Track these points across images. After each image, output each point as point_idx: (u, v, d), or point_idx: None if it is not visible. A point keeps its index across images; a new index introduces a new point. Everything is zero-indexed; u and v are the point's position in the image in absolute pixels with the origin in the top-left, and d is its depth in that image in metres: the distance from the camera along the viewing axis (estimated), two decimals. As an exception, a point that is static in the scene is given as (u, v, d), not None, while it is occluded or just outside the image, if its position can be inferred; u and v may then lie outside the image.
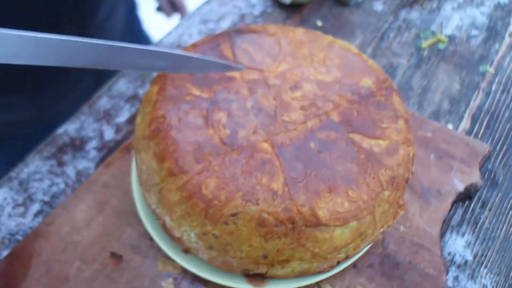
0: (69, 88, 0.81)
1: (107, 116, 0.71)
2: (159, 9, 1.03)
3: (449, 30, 0.82)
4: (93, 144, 0.67)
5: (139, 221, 0.56)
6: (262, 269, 0.46)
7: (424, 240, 0.54)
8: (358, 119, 0.49)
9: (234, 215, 0.42)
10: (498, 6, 0.86)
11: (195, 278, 0.52)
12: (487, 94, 0.73)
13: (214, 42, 0.55)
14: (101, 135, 0.68)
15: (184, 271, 0.53)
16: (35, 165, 0.65)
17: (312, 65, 0.54)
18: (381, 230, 0.48)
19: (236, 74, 0.52)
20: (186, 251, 0.50)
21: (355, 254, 0.48)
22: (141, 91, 0.74)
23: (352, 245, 0.45)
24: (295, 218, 0.42)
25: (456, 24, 0.83)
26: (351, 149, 0.46)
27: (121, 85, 0.75)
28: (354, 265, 0.52)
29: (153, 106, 0.49)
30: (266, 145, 0.46)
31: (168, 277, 0.53)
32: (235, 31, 0.56)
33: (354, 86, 0.52)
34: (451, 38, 0.81)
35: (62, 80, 0.79)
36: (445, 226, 0.58)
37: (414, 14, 0.84)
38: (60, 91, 0.80)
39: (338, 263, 0.48)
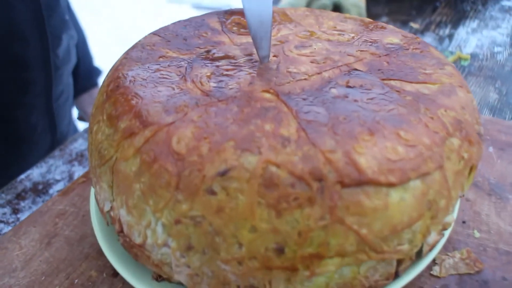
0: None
1: (80, 157, 0.57)
2: (81, 118, 0.97)
3: (469, 49, 0.73)
4: (58, 187, 0.53)
5: (99, 252, 0.39)
6: (278, 283, 0.28)
7: (516, 247, 0.36)
8: (391, 67, 0.35)
9: (223, 174, 0.26)
10: (515, 28, 0.79)
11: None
12: (533, 101, 0.61)
13: (199, 18, 0.44)
14: (70, 176, 0.54)
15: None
16: (-19, 214, 0.50)
17: (320, 29, 0.42)
18: (455, 212, 0.31)
19: (225, 39, 0.40)
20: (158, 277, 0.32)
21: (425, 253, 0.30)
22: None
23: (419, 225, 0.28)
24: (323, 171, 0.26)
25: (476, 44, 0.74)
26: (390, 92, 0.32)
27: (99, 127, 0.63)
28: (420, 290, 0.33)
29: (114, 69, 0.36)
30: (267, 95, 0.32)
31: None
32: (222, 11, 0.46)
33: (378, 43, 0.40)
34: (473, 55, 0.71)
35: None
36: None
37: (427, 39, 0.76)
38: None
39: (397, 273, 0.30)
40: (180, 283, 0.31)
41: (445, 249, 0.36)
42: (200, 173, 0.26)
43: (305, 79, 0.34)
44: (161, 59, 0.37)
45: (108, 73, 0.37)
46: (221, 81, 0.34)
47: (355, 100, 0.31)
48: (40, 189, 0.53)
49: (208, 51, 0.38)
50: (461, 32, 0.78)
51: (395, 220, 0.27)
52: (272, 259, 0.26)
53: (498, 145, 0.46)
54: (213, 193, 0.26)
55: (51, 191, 0.52)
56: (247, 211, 0.26)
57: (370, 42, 0.39)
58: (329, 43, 0.39)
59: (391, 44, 0.39)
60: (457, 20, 0.82)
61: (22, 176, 0.55)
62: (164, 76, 0.34)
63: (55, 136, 0.75)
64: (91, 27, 0.93)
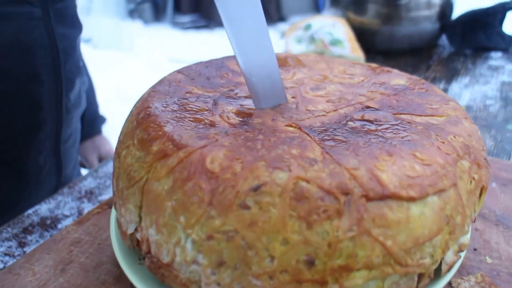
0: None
1: (89, 194, 0.59)
2: (82, 165, 0.96)
3: (463, 102, 0.78)
4: (67, 222, 0.53)
5: (116, 279, 0.39)
6: (306, 298, 0.28)
7: (529, 273, 0.37)
8: (400, 104, 0.39)
9: (256, 189, 0.28)
10: (504, 83, 0.84)
11: None
12: (527, 146, 0.64)
13: (219, 60, 0.48)
14: (79, 212, 0.55)
15: None
16: (-15, 247, 0.50)
17: (332, 73, 0.46)
18: (468, 234, 0.33)
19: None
20: (184, 298, 0.33)
21: (444, 273, 0.32)
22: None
23: (438, 240, 0.29)
24: (349, 186, 0.28)
25: (469, 97, 0.79)
26: (402, 123, 0.35)
27: (110, 167, 0.65)
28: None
29: (143, 100, 0.39)
30: (290, 128, 0.35)
31: None
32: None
33: (386, 84, 0.43)
34: (467, 107, 0.76)
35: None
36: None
37: (422, 92, 0.81)
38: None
39: (420, 282, 0.31)
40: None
41: (460, 274, 0.37)
42: (234, 189, 0.28)
43: (323, 115, 0.37)
44: (187, 94, 0.40)
45: (136, 104, 0.40)
46: (246, 117, 0.36)
47: (371, 130, 0.34)
48: (48, 224, 0.53)
49: (231, 90, 0.41)
50: (455, 87, 0.83)
51: (417, 232, 0.28)
52: (302, 271, 0.28)
53: (500, 181, 0.49)
54: (246, 207, 0.28)
55: (59, 226, 0.53)
56: (279, 223, 0.27)
57: (379, 84, 0.43)
58: (341, 85, 0.43)
59: (398, 85, 0.43)
60: (450, 76, 0.88)
61: (30, 211, 0.55)
62: (193, 109, 0.37)
63: (60, 178, 0.76)
64: (95, 82, 0.97)
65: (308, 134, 0.33)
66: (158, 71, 2.89)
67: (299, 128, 0.34)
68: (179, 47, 3.67)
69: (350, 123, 0.35)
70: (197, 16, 4.83)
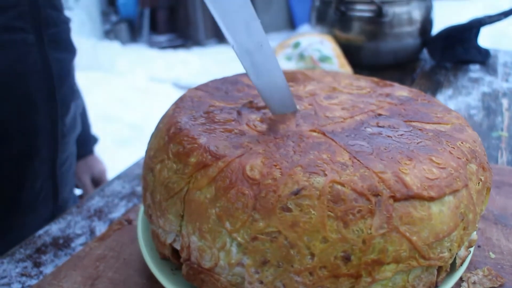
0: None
1: (99, 213, 0.60)
2: (77, 186, 0.96)
3: (448, 111, 0.83)
4: (81, 240, 0.54)
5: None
6: (342, 290, 0.31)
7: (529, 265, 0.41)
8: (408, 113, 0.43)
9: (296, 193, 0.31)
10: (485, 94, 0.90)
11: None
12: (511, 152, 0.70)
13: (233, 77, 0.51)
14: (91, 231, 0.56)
15: None
16: (1, 269, 0.50)
17: (340, 85, 0.50)
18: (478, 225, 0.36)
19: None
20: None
21: (458, 266, 0.35)
22: (138, 188, 0.65)
23: (455, 235, 0.33)
24: (379, 188, 0.31)
25: (454, 108, 0.85)
26: (414, 130, 0.39)
27: (116, 186, 0.66)
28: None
29: (170, 116, 0.41)
30: (315, 134, 0.38)
31: None
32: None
33: (391, 95, 0.47)
34: (452, 116, 0.81)
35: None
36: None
37: (410, 104, 0.86)
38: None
39: (436, 284, 0.34)
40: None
41: (468, 269, 0.41)
42: (276, 193, 0.31)
43: (341, 121, 0.40)
44: (211, 108, 0.43)
45: (163, 121, 0.42)
46: (270, 124, 0.39)
47: (388, 136, 0.37)
48: (61, 243, 0.54)
49: (251, 102, 0.44)
50: (440, 98, 0.89)
51: (438, 229, 0.32)
52: (340, 267, 0.31)
53: (494, 184, 0.53)
54: (288, 210, 0.31)
55: (73, 244, 0.54)
56: (319, 223, 0.30)
57: (385, 95, 0.47)
58: (351, 96, 0.46)
59: (402, 96, 0.47)
60: (434, 89, 0.93)
61: (41, 232, 0.56)
62: (220, 120, 0.40)
63: (56, 203, 0.75)
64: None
65: (333, 140, 0.36)
66: (140, 90, 2.89)
67: (323, 134, 0.38)
68: (158, 66, 3.69)
69: (368, 129, 0.39)
70: (173, 36, 4.87)
